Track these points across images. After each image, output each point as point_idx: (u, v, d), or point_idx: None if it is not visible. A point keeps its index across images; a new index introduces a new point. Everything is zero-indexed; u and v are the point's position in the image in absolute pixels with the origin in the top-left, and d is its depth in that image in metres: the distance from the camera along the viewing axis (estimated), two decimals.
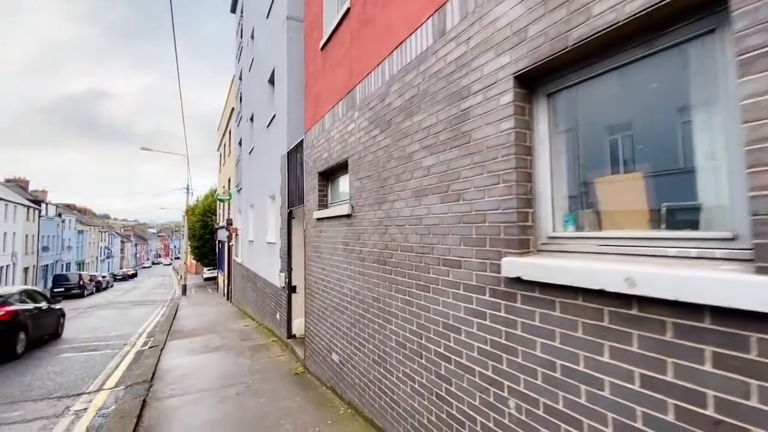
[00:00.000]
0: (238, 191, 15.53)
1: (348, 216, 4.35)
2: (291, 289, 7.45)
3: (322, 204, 5.54)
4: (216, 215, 29.88)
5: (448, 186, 2.61)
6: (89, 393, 5.55)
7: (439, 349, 2.68)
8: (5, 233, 27.39)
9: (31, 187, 44.67)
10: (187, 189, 26.90)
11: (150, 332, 11.12)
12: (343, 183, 5.00)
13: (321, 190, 5.55)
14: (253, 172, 11.89)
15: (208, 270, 37.55)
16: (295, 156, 7.08)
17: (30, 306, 9.13)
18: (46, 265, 38.28)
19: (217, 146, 28.33)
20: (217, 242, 28.07)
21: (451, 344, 2.54)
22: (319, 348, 5.31)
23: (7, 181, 38.96)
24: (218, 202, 22.40)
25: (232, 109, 18.72)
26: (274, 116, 8.83)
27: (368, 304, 3.82)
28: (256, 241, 11.17)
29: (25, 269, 32.43)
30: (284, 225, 7.76)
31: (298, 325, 7.46)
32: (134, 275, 51.16)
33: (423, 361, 2.86)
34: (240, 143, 15.91)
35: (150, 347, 8.36)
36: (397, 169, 3.27)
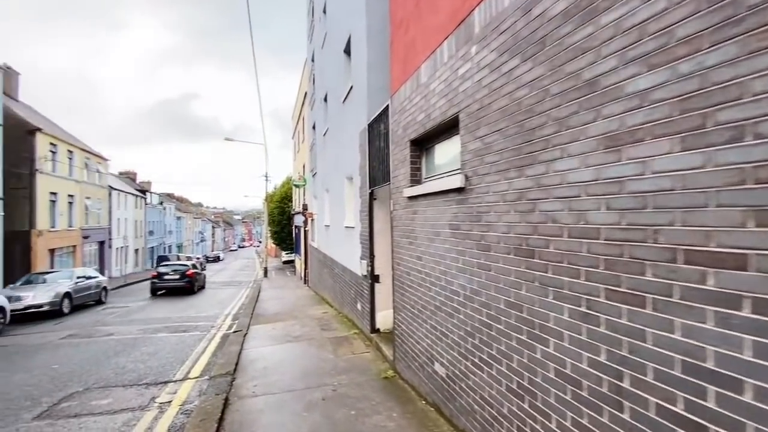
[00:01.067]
0: (313, 176, 15.34)
1: (459, 190, 3.30)
2: (374, 278, 6.68)
3: (415, 179, 4.56)
4: (292, 201, 30.94)
5: (704, 117, 1.41)
6: (175, 382, 5.35)
7: (673, 408, 1.53)
8: (118, 219, 31.27)
9: (138, 179, 51.01)
10: (266, 177, 28.04)
11: (235, 314, 11.36)
12: (447, 150, 3.94)
13: (414, 163, 4.56)
14: (328, 154, 11.37)
15: (286, 254, 39.53)
16: (377, 127, 6.18)
17: (198, 270, 18.66)
18: (152, 247, 43.48)
19: (291, 134, 29.03)
20: (294, 227, 29.05)
21: (712, 406, 1.38)
22: (414, 353, 4.41)
23: (120, 173, 44.72)
24: (294, 188, 22.82)
25: (305, 93, 18.58)
26: (351, 88, 8.02)
27: (498, 311, 2.76)
28: (333, 226, 10.69)
29: (136, 251, 37.05)
30: (365, 207, 6.97)
31: (382, 319, 6.70)
32: (221, 259, 56.22)
33: (626, 418, 1.73)
34: (314, 127, 15.64)
35: (234, 332, 8.30)
36: (561, 110, 2.11)
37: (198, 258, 40.42)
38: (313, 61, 15.13)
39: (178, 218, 58.88)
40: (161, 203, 50.35)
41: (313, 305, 11.82)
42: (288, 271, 31.87)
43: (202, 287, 19.16)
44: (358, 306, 7.56)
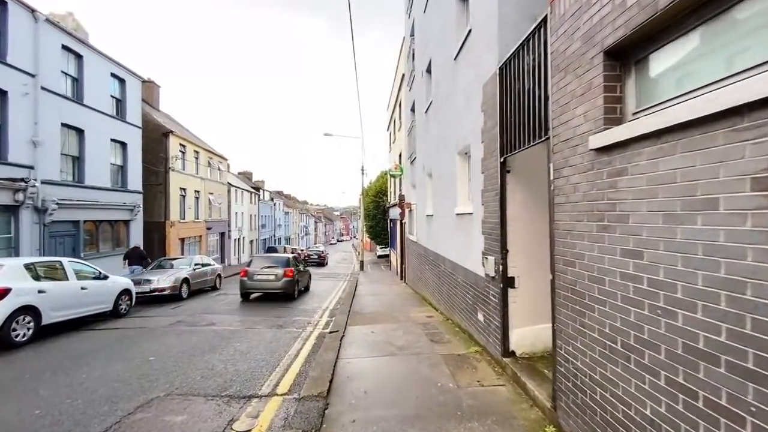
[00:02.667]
0: (411, 162, 13.95)
1: None
2: (507, 281, 4.86)
3: (613, 116, 2.65)
4: (387, 195, 30.31)
5: None
6: (260, 398, 4.34)
7: None
8: (236, 213, 34.55)
9: (253, 179, 56.69)
10: (362, 170, 27.84)
11: (332, 310, 10.57)
12: (683, 55, 1.98)
13: (610, 89, 2.66)
14: (432, 132, 9.78)
15: (381, 248, 39.42)
16: (518, 64, 4.33)
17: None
18: (264, 239, 47.71)
19: (386, 126, 28.29)
20: (389, 221, 28.35)
21: None
22: (610, 411, 2.52)
23: (238, 173, 50.04)
24: (390, 178, 21.90)
25: (402, 76, 17.32)
26: (468, 33, 6.26)
27: None
28: (438, 215, 9.07)
29: (250, 242, 40.83)
30: (492, 184, 5.18)
31: (520, 339, 4.85)
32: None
33: None
34: (412, 109, 14.24)
35: (330, 332, 7.29)
36: None
37: (303, 251, 43.05)
38: (412, 35, 13.69)
39: (286, 213, 64.01)
40: (272, 199, 55.08)
41: (413, 305, 10.41)
42: (383, 266, 31.43)
43: (306, 289, 14.96)
44: (479, 316, 5.81)
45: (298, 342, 7.00)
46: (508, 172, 4.92)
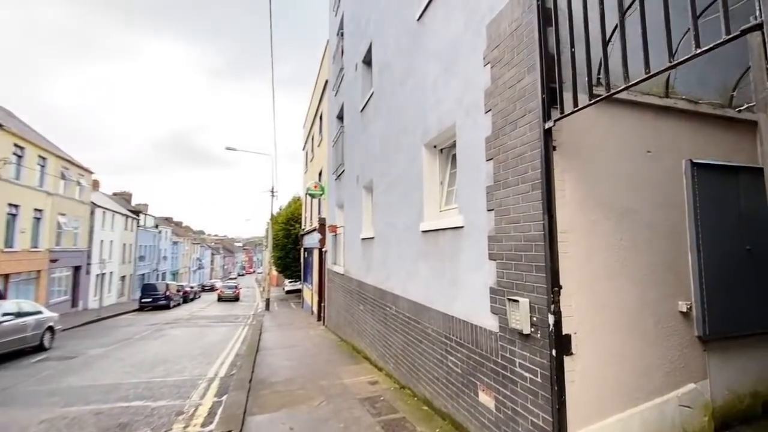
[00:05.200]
0: (338, 178, 11.54)
1: None
2: (561, 343, 2.65)
3: None
4: (301, 222, 27.04)
5: None
6: None
7: None
8: (101, 241, 27.28)
9: (136, 202, 47.43)
10: (272, 192, 24.27)
11: (223, 379, 7.15)
12: None
13: None
14: (374, 129, 7.59)
15: (291, 282, 35.15)
16: None
17: None
18: (143, 274, 39.20)
19: (302, 145, 25.61)
20: (302, 251, 24.99)
21: None
22: None
23: (114, 194, 41.22)
24: (306, 202, 19.06)
25: (326, 83, 15.18)
26: None
27: None
28: (385, 237, 6.72)
29: (122, 278, 32.76)
30: (521, 173, 3.04)
31: None
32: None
33: None
34: (339, 116, 12.03)
35: None
36: None
37: (192, 287, 36.04)
38: (341, 31, 11.73)
39: (175, 243, 54.86)
40: (156, 226, 46.53)
41: (344, 362, 7.64)
42: (293, 303, 27.49)
43: None
44: (486, 399, 3.46)
45: None
46: (554, 150, 2.85)
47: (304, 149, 24.66)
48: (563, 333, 2.70)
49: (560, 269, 2.74)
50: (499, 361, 3.27)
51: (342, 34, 11.62)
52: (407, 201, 5.58)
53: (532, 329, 2.86)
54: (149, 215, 44.58)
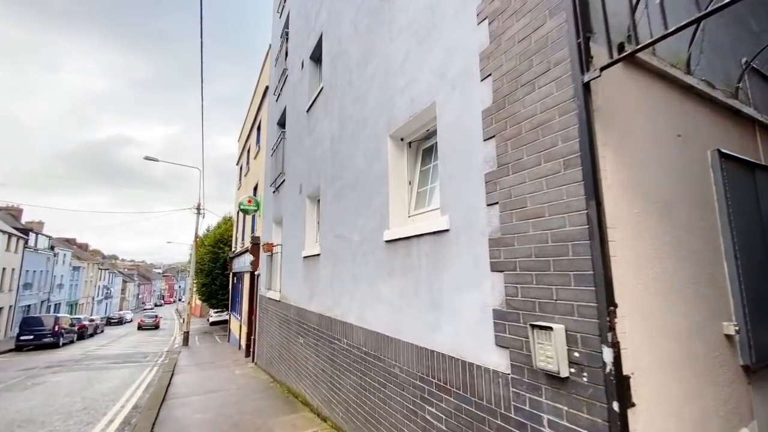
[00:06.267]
0: (276, 189, 10.18)
1: None
2: (621, 391, 1.76)
3: None
4: (231, 245, 24.44)
5: None
6: None
7: None
8: None
9: (30, 220, 40.02)
10: (198, 209, 21.64)
11: None
12: None
13: None
14: (322, 129, 6.56)
15: (217, 312, 31.46)
16: None
17: None
18: (28, 306, 32.51)
19: (236, 160, 23.57)
20: (231, 276, 22.38)
21: None
22: None
23: None
24: (242, 216, 17.12)
25: (266, 89, 13.92)
26: None
27: None
28: (333, 253, 5.57)
29: None
30: (537, 150, 2.22)
31: None
32: (127, 321, 45.01)
33: None
34: (281, 122, 10.84)
35: None
36: None
37: (93, 320, 30.46)
38: (286, 30, 10.74)
39: (75, 268, 47.13)
40: (52, 248, 39.58)
41: (276, 411, 6.14)
42: (218, 336, 24.31)
43: None
44: None
45: None
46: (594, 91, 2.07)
47: (238, 164, 22.66)
48: (623, 374, 1.83)
49: (613, 278, 1.89)
50: (513, 416, 2.29)
51: (287, 35, 10.64)
52: (366, 207, 4.56)
53: (573, 369, 1.95)
54: (43, 235, 37.84)
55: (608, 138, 2.11)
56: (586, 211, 1.94)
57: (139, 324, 33.87)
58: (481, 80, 2.77)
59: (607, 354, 1.81)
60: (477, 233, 2.70)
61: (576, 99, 2.03)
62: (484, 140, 2.69)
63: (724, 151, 2.79)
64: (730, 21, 3.52)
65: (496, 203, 2.53)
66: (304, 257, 6.95)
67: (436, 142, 3.38)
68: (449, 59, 3.17)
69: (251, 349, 12.38)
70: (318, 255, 6.20)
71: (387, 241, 3.94)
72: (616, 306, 1.86)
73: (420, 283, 3.32)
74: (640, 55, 2.27)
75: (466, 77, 2.94)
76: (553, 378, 2.05)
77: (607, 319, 1.82)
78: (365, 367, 4.23)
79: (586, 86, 2.02)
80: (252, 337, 12.46)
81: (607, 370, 1.81)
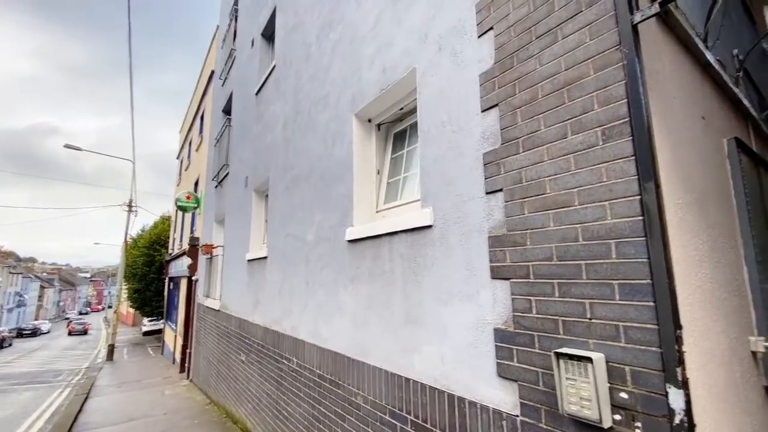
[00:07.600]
0: (219, 184, 9.05)
1: None
2: None
3: None
4: (168, 247, 22.17)
5: None
6: None
7: None
8: None
9: None
10: (129, 205, 19.33)
11: None
12: None
13: None
14: (274, 111, 5.72)
15: (151, 321, 28.49)
16: None
17: None
18: None
19: (177, 154, 21.50)
20: (167, 282, 20.23)
21: None
22: None
23: None
24: (180, 214, 15.45)
25: (211, 74, 12.59)
26: None
27: None
28: (283, 255, 4.75)
29: None
30: (562, 116, 1.67)
31: None
32: (42, 332, 39.66)
33: None
34: (226, 109, 9.73)
35: None
36: None
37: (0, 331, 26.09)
38: (235, 7, 9.67)
39: None
40: None
41: None
42: (150, 348, 21.88)
43: None
44: None
45: None
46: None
47: (179, 157, 20.66)
48: (693, 422, 1.30)
49: (676, 287, 1.37)
50: None
51: (236, 12, 9.59)
52: (324, 200, 3.83)
53: (619, 417, 1.40)
54: None
55: (652, 105, 1.61)
56: (639, 197, 1.41)
57: (69, 330, 36.11)
58: (479, 36, 2.19)
59: (675, 397, 1.28)
60: (471, 229, 2.11)
61: (623, 47, 1.50)
62: (483, 111, 2.11)
63: (742, 140, 2.46)
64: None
65: (500, 190, 1.96)
66: (249, 260, 6.03)
67: (414, 123, 2.78)
68: (434, 15, 2.58)
69: (186, 364, 10.97)
70: (265, 258, 5.33)
71: (350, 241, 3.24)
72: (681, 328, 1.34)
73: (393, 292, 2.67)
74: (675, 13, 1.82)
75: (457, 34, 2.35)
76: (587, 427, 1.49)
77: (676, 347, 1.29)
78: (319, 393, 3.48)
79: (635, 30, 1.50)
80: (188, 351, 11.04)
81: (677, 420, 1.27)
